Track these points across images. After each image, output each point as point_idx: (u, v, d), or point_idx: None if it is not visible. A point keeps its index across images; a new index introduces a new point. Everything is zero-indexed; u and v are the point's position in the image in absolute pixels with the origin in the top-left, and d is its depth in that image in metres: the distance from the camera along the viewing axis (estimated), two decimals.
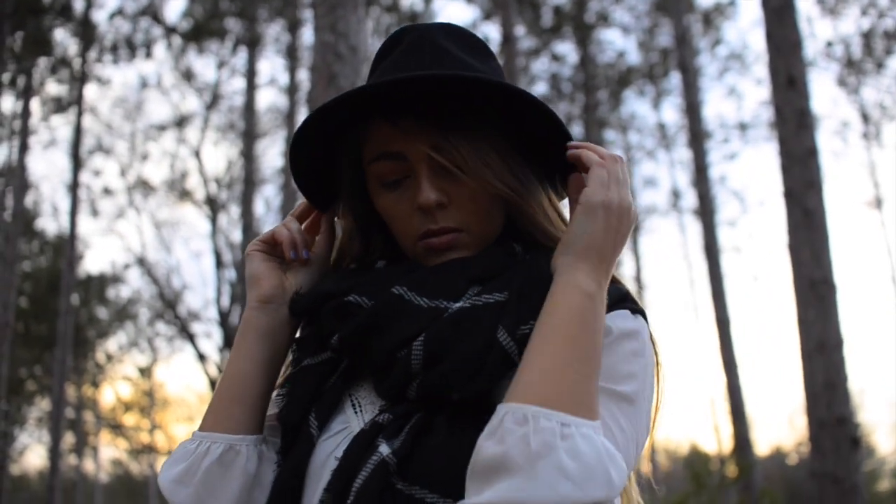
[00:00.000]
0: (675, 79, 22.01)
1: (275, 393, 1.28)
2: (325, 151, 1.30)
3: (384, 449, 1.05)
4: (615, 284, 1.21)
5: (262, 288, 1.28)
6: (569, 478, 0.91)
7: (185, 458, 1.19)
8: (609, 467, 0.94)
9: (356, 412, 1.17)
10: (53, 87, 17.83)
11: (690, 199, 23.81)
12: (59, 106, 18.14)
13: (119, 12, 17.32)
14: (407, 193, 1.21)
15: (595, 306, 1.07)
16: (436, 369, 1.08)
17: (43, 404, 23.90)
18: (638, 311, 1.20)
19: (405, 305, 1.13)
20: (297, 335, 1.33)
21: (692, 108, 17.17)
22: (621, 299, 1.19)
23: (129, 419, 27.76)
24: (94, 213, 22.93)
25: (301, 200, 1.37)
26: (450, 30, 1.27)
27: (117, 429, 27.44)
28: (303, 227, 1.36)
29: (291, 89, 19.22)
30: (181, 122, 22.42)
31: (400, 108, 1.18)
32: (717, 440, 23.51)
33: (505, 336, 1.08)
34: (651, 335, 1.21)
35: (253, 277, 1.30)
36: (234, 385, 1.24)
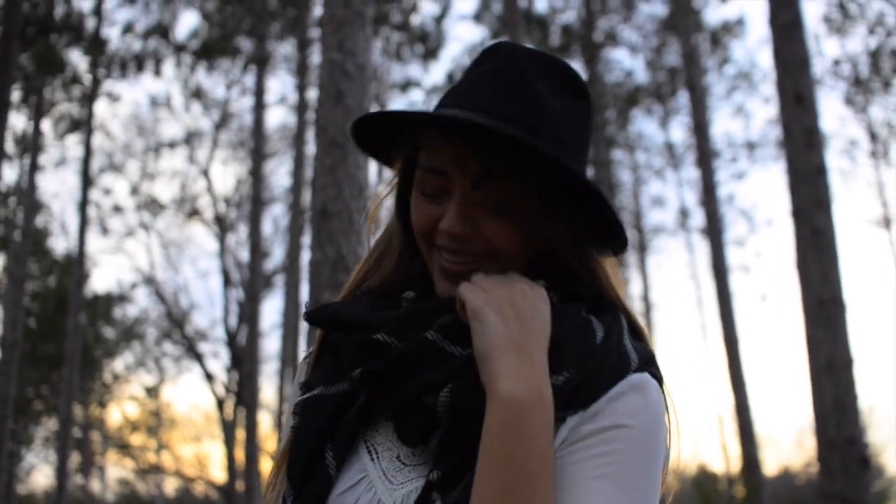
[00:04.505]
0: (682, 98, 22.07)
1: (285, 419, 1.24)
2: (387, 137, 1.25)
3: None
4: (639, 343, 1.16)
5: None
6: None
7: None
8: None
9: (372, 458, 1.15)
10: (64, 106, 17.80)
11: (698, 218, 23.83)
12: (70, 125, 18.20)
13: (129, 29, 17.34)
14: (441, 207, 1.17)
15: (527, 413, 1.00)
16: (459, 419, 1.06)
17: (50, 424, 23.89)
18: (654, 376, 1.13)
19: (438, 352, 1.10)
20: (306, 356, 1.31)
21: (700, 127, 17.21)
22: (646, 364, 1.13)
23: (136, 439, 27.66)
24: (104, 231, 23.01)
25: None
26: (541, 60, 1.18)
27: (124, 448, 27.34)
28: None
29: (301, 108, 19.25)
30: (190, 140, 22.51)
31: (458, 128, 1.13)
32: (725, 460, 23.47)
33: None
34: (665, 401, 1.13)
35: None
36: None
